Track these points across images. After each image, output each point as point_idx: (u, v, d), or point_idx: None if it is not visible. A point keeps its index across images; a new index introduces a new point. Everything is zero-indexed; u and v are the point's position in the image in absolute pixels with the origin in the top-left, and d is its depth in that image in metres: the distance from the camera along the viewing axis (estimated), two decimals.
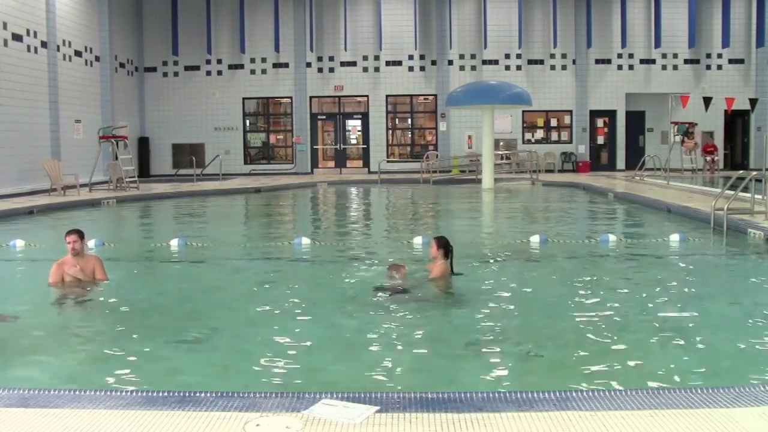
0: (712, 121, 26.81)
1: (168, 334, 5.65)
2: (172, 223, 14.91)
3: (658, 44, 27.21)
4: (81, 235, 7.16)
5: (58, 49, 21.67)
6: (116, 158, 20.39)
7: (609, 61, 27.60)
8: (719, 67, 27.58)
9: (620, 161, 27.83)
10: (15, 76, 19.44)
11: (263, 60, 27.77)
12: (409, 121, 28.84)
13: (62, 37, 22.00)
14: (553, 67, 27.65)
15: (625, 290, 7.22)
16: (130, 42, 27.00)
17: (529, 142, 27.91)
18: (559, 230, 12.31)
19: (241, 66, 27.81)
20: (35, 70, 20.55)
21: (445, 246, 7.32)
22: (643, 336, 5.44)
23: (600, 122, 28.24)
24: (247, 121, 28.64)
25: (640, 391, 3.68)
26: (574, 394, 3.62)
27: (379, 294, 6.76)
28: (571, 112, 27.83)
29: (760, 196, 11.77)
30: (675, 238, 10.07)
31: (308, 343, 5.33)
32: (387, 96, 27.88)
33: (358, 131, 28.61)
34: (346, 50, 27.43)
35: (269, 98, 28.43)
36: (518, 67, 27.51)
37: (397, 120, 28.86)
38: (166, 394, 3.67)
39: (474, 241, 10.66)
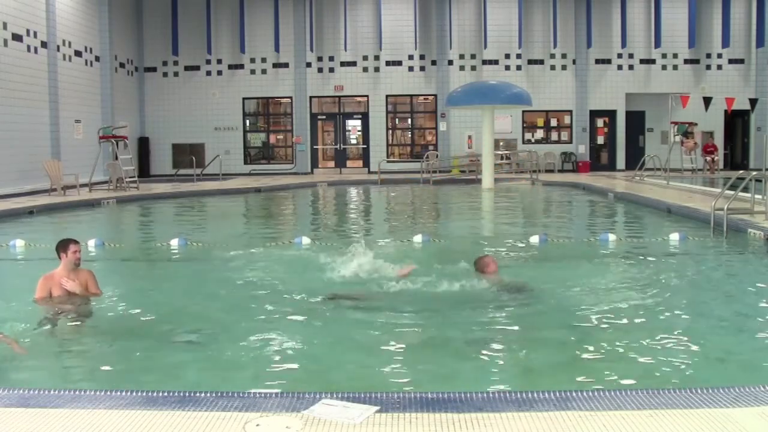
0: (712, 121, 26.80)
1: (168, 333, 5.66)
2: (172, 223, 14.90)
3: (658, 44, 27.21)
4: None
5: (58, 49, 21.67)
6: (116, 158, 20.38)
7: (609, 61, 27.59)
8: (719, 67, 27.58)
9: (620, 161, 27.83)
10: (15, 76, 19.43)
11: (263, 60, 27.76)
12: (409, 121, 28.83)
13: (62, 37, 21.99)
14: (553, 67, 27.64)
15: (625, 290, 7.21)
16: (130, 42, 27.00)
17: (529, 142, 27.90)
18: (559, 230, 12.31)
19: (241, 66, 27.81)
20: (35, 70, 20.55)
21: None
22: (642, 336, 5.43)
23: (600, 122, 28.23)
24: (247, 121, 28.63)
25: (640, 391, 3.67)
26: (574, 394, 3.61)
27: (336, 301, 6.61)
28: (571, 112, 27.82)
29: (760, 196, 11.76)
30: (675, 237, 10.08)
31: (308, 343, 5.33)
32: (387, 96, 27.87)
33: (358, 131, 28.60)
34: (346, 50, 27.42)
35: (269, 98, 28.42)
36: (518, 67, 27.51)
37: (397, 120, 28.86)
38: (166, 394, 3.67)
39: (474, 241, 10.67)
